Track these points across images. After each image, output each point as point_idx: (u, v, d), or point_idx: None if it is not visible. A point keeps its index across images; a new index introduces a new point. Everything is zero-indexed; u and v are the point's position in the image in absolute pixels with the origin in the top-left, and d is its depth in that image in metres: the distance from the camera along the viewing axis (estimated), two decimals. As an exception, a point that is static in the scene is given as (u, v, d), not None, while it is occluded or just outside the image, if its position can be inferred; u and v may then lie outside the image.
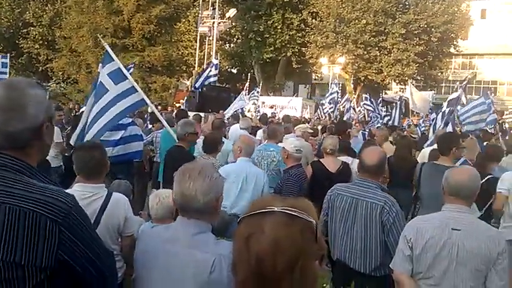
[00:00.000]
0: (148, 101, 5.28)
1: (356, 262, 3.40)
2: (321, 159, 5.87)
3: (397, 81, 32.96)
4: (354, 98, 20.66)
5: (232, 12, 25.57)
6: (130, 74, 5.66)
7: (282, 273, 1.17)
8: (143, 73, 28.01)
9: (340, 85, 17.81)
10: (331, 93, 17.22)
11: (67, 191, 1.56)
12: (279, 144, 5.85)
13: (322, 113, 17.16)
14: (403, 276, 2.85)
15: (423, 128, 14.04)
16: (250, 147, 4.88)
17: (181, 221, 1.91)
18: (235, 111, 14.60)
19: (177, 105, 22.29)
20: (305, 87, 41.70)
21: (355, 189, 3.48)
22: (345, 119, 15.75)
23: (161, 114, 7.89)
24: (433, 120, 9.97)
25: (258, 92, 18.49)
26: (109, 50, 5.18)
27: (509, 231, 4.97)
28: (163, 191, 3.46)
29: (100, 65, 5.27)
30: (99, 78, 5.07)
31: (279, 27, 32.02)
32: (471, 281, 2.69)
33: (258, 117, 12.87)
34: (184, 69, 32.88)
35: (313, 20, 31.27)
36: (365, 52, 30.49)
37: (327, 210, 3.59)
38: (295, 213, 1.22)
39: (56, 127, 4.00)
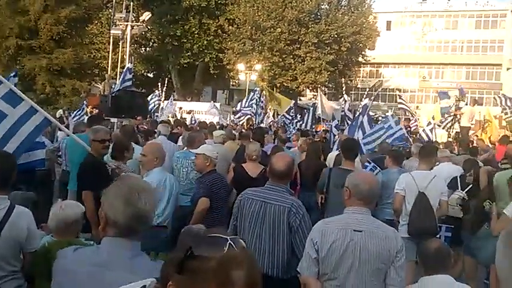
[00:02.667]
0: (52, 119, 4.94)
1: (264, 265, 3.47)
2: (242, 164, 5.97)
3: (310, 88, 34.25)
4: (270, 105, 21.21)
5: (146, 15, 25.05)
6: (15, 85, 5.29)
7: None
8: (51, 76, 26.53)
9: (261, 92, 18.10)
10: (251, 100, 17.46)
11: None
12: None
13: (242, 118, 17.34)
14: (310, 279, 2.94)
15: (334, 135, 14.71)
16: (164, 155, 4.77)
17: (117, 242, 1.71)
18: (151, 116, 14.35)
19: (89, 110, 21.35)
20: (223, 92, 41.93)
21: (265, 193, 3.58)
22: (262, 125, 16.11)
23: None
24: (336, 127, 10.53)
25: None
26: None
27: (405, 229, 5.39)
28: (67, 202, 3.31)
29: None
30: None
31: (196, 32, 31.93)
32: (373, 279, 2.86)
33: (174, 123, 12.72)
34: (97, 72, 31.62)
35: (230, 27, 31.59)
36: (280, 60, 31.35)
37: (237, 214, 3.64)
38: None
39: None
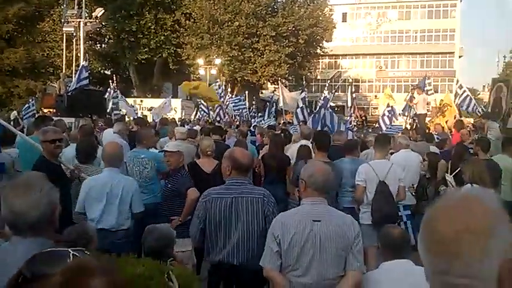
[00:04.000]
0: (2, 121, 4.78)
1: (241, 258, 3.49)
2: (196, 160, 5.97)
3: (271, 81, 34.41)
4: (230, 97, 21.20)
5: (100, 11, 24.40)
6: None
7: None
8: (3, 77, 25.53)
9: (224, 86, 18.04)
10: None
11: None
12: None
13: (210, 114, 17.19)
14: (273, 272, 2.98)
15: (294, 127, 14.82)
16: (112, 155, 4.57)
17: (16, 241, 1.76)
18: (110, 114, 14.00)
19: (45, 110, 20.72)
20: (183, 88, 41.51)
21: (231, 189, 3.58)
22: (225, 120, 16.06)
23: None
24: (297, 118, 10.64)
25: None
26: None
27: (367, 216, 5.56)
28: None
29: None
30: None
31: (152, 27, 31.38)
32: (334, 266, 2.94)
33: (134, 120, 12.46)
34: (52, 71, 30.63)
35: (187, 21, 31.25)
36: (239, 53, 31.31)
37: (204, 216, 3.57)
38: None
39: None
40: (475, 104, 14.58)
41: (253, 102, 19.46)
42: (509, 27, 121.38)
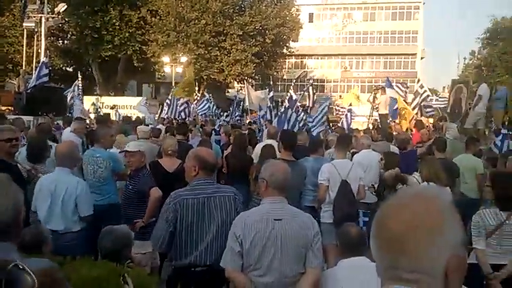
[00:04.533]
0: None
1: (213, 257, 3.36)
2: (158, 160, 5.90)
3: (237, 80, 34.38)
4: (197, 97, 20.96)
5: (62, 7, 23.73)
6: None
7: None
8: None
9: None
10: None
11: None
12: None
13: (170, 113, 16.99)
14: (235, 273, 2.98)
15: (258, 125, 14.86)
16: (63, 155, 4.43)
17: None
18: (69, 113, 13.63)
19: (3, 108, 19.98)
20: (149, 86, 40.91)
21: (200, 189, 3.46)
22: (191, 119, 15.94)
23: None
24: (263, 117, 10.66)
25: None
26: None
27: (329, 215, 5.63)
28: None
29: None
30: None
31: (116, 24, 30.77)
32: (294, 264, 2.97)
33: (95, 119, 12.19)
34: (11, 68, 29.62)
35: (153, 18, 30.82)
36: (206, 52, 31.14)
37: (175, 219, 3.38)
38: None
39: None
40: (436, 100, 14.93)
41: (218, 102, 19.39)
42: (469, 30, 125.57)
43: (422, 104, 14.65)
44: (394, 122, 14.00)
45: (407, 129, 12.91)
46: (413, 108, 14.72)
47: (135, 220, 4.73)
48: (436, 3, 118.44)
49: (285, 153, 5.54)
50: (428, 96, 14.91)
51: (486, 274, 3.86)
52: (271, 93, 14.18)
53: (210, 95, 19.42)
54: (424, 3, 55.00)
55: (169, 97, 17.15)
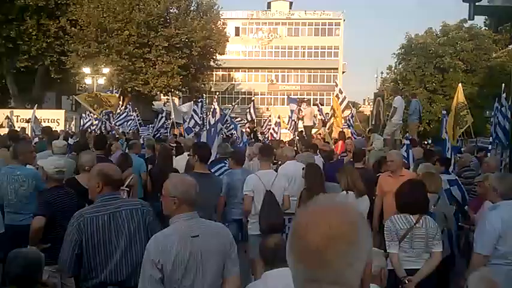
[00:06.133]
0: None
1: (124, 273, 3.29)
2: (75, 176, 5.58)
3: (163, 92, 33.84)
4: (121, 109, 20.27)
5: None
6: None
7: None
8: None
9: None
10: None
11: None
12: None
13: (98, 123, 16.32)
14: None
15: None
16: None
17: None
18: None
19: None
20: (68, 98, 39.05)
21: (104, 205, 3.37)
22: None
23: None
24: (187, 130, 10.51)
25: None
26: None
27: (256, 227, 5.64)
28: None
29: None
30: None
31: (33, 33, 29.13)
32: (215, 277, 2.93)
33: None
34: None
35: (73, 28, 29.58)
36: (130, 63, 30.38)
37: (80, 239, 3.25)
38: None
39: None
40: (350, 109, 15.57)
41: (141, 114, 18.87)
42: (386, 45, 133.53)
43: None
44: (319, 134, 14.44)
45: (335, 140, 13.30)
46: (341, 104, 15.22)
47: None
48: (356, 20, 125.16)
49: (200, 167, 5.45)
50: (346, 99, 15.47)
51: (401, 278, 4.03)
52: (200, 106, 14.09)
53: (136, 108, 18.92)
54: (344, 20, 57.75)
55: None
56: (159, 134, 15.26)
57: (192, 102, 17.29)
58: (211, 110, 9.44)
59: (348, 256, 1.14)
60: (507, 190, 3.98)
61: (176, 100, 23.83)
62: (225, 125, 10.63)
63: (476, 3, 4.82)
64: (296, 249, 1.18)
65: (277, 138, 12.53)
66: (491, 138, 10.16)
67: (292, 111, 15.83)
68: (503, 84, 8.71)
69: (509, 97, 8.57)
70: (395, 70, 42.85)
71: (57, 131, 15.54)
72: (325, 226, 1.15)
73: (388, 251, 4.10)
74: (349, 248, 1.14)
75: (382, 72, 51.58)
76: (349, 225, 1.16)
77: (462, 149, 11.71)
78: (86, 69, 28.26)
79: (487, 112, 24.00)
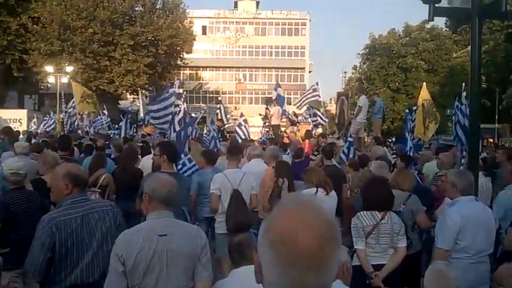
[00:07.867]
0: None
1: (96, 275, 3.23)
2: (42, 176, 5.43)
3: (130, 91, 33.32)
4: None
5: None
6: None
7: None
8: None
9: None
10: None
11: None
12: None
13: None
14: None
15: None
16: None
17: None
18: None
19: None
20: (30, 97, 37.88)
21: (76, 207, 3.28)
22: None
23: None
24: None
25: None
26: None
27: (223, 225, 5.64)
28: None
29: None
30: None
31: (-7, 31, 28.19)
32: (183, 281, 2.88)
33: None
34: None
35: (35, 26, 28.73)
36: (94, 62, 29.77)
37: (51, 244, 3.13)
38: None
39: None
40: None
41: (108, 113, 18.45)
42: (351, 45, 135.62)
43: (311, 111, 15.17)
44: (292, 132, 14.52)
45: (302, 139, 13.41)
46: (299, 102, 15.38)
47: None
48: (322, 21, 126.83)
49: (167, 166, 5.39)
50: (317, 97, 15.60)
51: (368, 273, 4.11)
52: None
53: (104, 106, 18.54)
54: (310, 20, 58.32)
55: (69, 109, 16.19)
56: (125, 133, 14.99)
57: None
58: (177, 110, 9.32)
59: (336, 255, 1.13)
60: (466, 186, 4.11)
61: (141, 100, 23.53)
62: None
63: (436, 5, 4.95)
64: (285, 255, 1.09)
65: (247, 137, 12.47)
66: (452, 136, 10.42)
67: (285, 110, 15.97)
68: (463, 84, 8.97)
69: (468, 96, 8.82)
70: (360, 70, 43.66)
71: (19, 131, 15.10)
72: (315, 227, 1.11)
73: (355, 247, 4.17)
74: (338, 247, 1.14)
75: (345, 72, 52.50)
76: (333, 224, 1.15)
77: (424, 147, 11.98)
78: (49, 68, 27.49)
79: (448, 111, 24.78)
